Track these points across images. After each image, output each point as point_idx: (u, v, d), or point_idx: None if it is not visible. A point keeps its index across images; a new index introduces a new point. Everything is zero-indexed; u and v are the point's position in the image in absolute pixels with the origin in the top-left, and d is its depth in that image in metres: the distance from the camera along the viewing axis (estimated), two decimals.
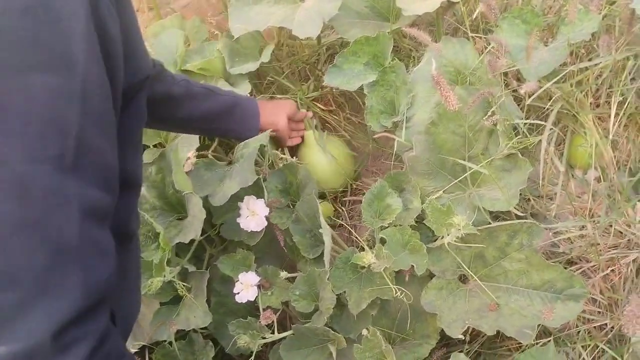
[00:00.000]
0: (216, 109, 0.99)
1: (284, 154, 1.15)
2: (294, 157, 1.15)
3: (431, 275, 0.98)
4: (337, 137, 1.24)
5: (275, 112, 1.11)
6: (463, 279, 0.99)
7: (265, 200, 0.99)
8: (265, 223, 0.99)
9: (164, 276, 0.86)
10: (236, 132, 1.06)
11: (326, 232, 0.95)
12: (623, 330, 0.70)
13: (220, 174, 1.06)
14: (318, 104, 1.26)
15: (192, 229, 0.93)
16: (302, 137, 1.20)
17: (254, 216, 0.97)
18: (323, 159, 1.16)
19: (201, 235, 0.98)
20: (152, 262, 0.86)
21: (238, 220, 0.99)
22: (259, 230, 1.00)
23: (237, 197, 0.99)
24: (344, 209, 1.22)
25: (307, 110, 1.21)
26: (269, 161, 1.10)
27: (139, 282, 0.71)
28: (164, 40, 1.18)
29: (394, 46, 1.03)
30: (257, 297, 0.97)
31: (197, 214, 0.94)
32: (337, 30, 1.07)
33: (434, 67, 0.95)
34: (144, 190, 1.05)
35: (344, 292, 0.94)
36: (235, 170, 1.02)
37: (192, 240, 0.95)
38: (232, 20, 1.11)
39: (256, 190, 1.02)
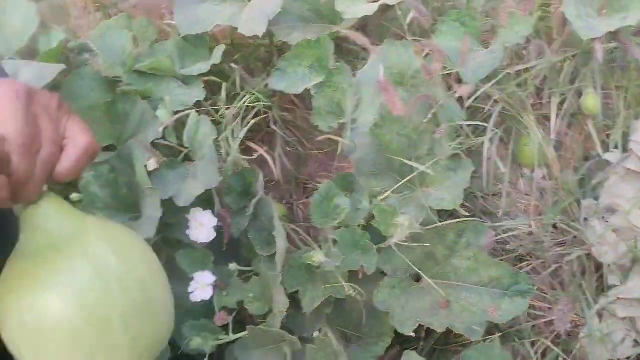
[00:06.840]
0: None
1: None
2: None
3: (384, 274, 1.00)
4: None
5: None
6: (416, 277, 1.01)
7: (215, 208, 1.01)
8: (214, 234, 0.98)
9: None
10: None
11: (280, 235, 0.96)
12: (555, 329, 0.72)
13: (183, 172, 1.04)
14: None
15: (145, 230, 0.93)
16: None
17: (202, 228, 0.98)
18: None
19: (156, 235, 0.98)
20: None
21: (187, 232, 0.99)
22: (207, 242, 1.00)
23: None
24: (300, 209, 1.23)
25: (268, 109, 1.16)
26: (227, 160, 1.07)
27: None
28: (109, 42, 1.11)
29: (340, 48, 1.04)
30: (212, 297, 0.98)
31: (151, 214, 0.95)
32: (279, 34, 1.06)
33: (382, 73, 0.97)
34: (96, 189, 1.04)
35: (297, 290, 0.96)
36: (199, 169, 1.00)
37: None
38: (179, 18, 1.08)
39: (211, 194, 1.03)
